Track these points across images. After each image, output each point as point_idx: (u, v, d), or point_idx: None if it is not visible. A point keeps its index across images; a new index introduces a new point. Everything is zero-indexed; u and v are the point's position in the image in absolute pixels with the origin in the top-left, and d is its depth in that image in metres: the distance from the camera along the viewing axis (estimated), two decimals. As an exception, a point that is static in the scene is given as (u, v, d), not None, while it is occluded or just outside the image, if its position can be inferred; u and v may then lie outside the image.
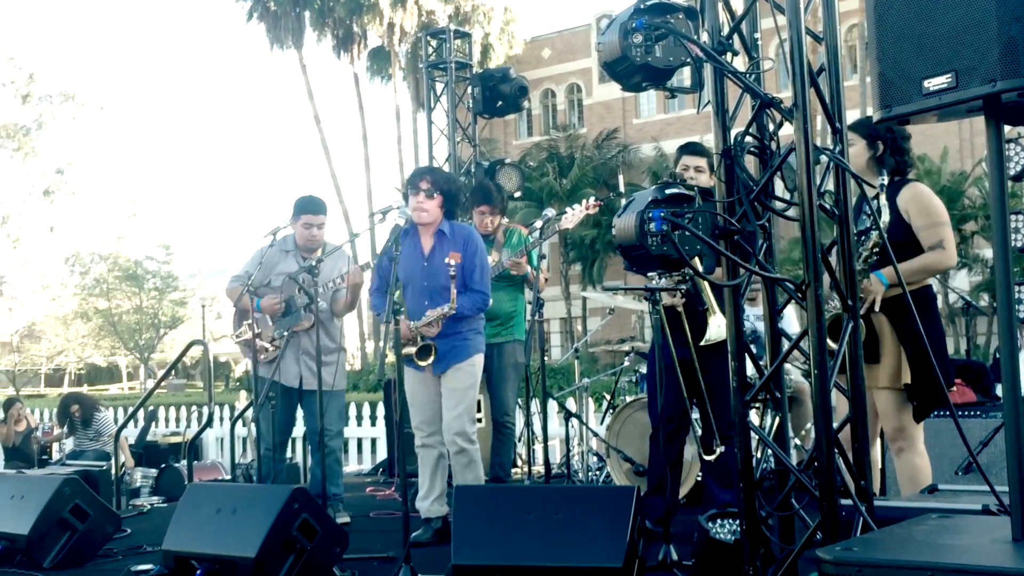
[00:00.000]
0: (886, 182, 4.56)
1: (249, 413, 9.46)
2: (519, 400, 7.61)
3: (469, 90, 9.45)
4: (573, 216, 6.62)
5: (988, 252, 19.44)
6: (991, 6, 2.56)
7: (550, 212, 6.56)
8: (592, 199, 6.84)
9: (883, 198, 4.54)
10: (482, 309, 5.84)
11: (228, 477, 9.50)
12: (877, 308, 4.70)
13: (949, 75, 2.65)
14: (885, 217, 4.49)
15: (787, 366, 6.77)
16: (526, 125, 40.10)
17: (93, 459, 9.65)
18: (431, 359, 5.57)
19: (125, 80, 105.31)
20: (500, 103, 9.20)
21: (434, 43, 10.07)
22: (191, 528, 4.84)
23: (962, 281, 25.82)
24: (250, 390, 7.32)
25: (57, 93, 39.92)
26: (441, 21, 34.62)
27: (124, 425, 9.71)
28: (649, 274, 5.07)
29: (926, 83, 2.70)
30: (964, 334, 12.08)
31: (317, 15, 37.48)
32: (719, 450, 5.59)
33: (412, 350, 5.56)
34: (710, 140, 4.17)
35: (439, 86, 9.94)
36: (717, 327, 5.34)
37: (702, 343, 5.43)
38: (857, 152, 4.83)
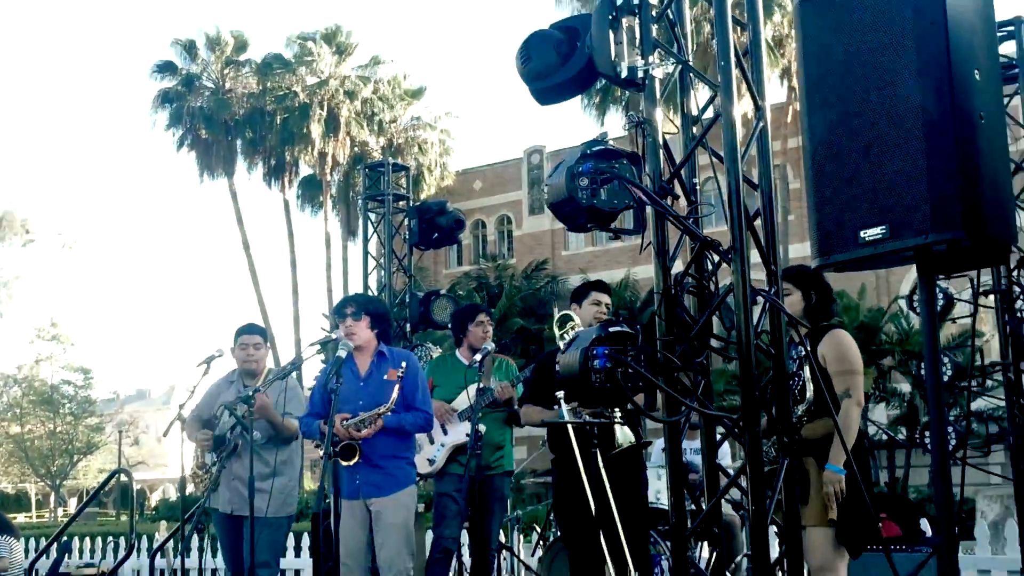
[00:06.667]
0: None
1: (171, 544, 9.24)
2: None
3: (405, 221, 9.59)
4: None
5: (905, 386, 19.99)
6: (922, 161, 2.72)
7: (490, 345, 6.59)
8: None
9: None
10: (423, 429, 5.88)
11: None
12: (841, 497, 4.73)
13: (883, 226, 2.80)
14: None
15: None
16: (456, 254, 40.41)
17: None
18: (355, 459, 5.50)
19: (52, 202, 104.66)
20: (436, 235, 9.35)
21: (370, 174, 10.23)
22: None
23: (880, 414, 26.21)
24: (169, 519, 7.16)
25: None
26: (375, 152, 35.09)
27: (38, 558, 9.38)
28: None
29: (862, 233, 2.85)
30: (885, 467, 12.27)
31: (248, 144, 37.54)
32: None
33: (335, 449, 5.46)
34: (637, 272, 4.30)
35: (373, 216, 10.07)
36: (622, 432, 5.33)
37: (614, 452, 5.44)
38: (793, 301, 5.00)
